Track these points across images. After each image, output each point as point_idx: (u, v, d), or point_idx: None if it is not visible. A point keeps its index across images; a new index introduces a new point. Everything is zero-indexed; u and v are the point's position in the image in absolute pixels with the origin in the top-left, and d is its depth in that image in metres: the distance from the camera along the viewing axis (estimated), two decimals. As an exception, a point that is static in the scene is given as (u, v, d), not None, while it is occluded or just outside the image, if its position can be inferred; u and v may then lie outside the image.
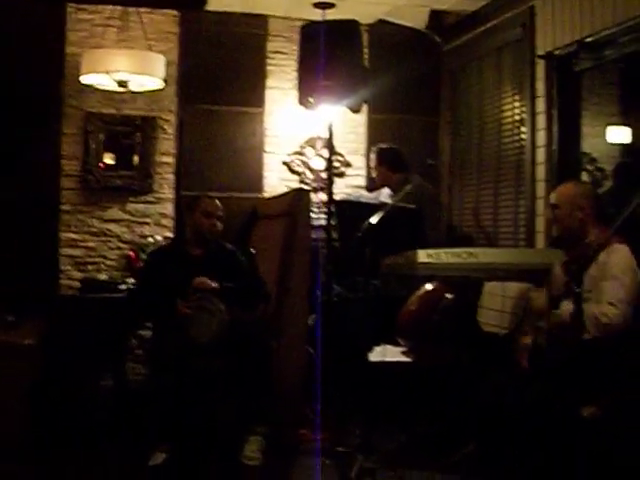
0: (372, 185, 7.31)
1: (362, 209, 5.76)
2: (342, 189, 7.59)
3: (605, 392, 4.01)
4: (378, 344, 5.62)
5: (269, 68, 7.60)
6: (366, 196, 7.15)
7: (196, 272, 5.30)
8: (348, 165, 7.77)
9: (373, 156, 6.92)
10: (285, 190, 7.18)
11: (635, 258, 4.30)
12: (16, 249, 6.74)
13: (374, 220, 4.98)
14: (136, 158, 7.19)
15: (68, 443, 5.49)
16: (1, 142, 6.74)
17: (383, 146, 6.93)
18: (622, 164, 6.52)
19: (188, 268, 5.31)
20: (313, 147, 7.67)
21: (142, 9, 7.02)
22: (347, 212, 5.86)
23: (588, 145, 6.34)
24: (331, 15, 5.93)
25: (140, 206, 7.22)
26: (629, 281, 4.20)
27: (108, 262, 7.12)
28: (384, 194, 6.71)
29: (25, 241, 6.79)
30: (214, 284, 5.25)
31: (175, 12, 7.26)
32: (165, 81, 6.67)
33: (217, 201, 5.65)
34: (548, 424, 3.98)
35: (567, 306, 4.10)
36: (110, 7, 6.98)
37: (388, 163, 6.79)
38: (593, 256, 4.11)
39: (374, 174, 6.95)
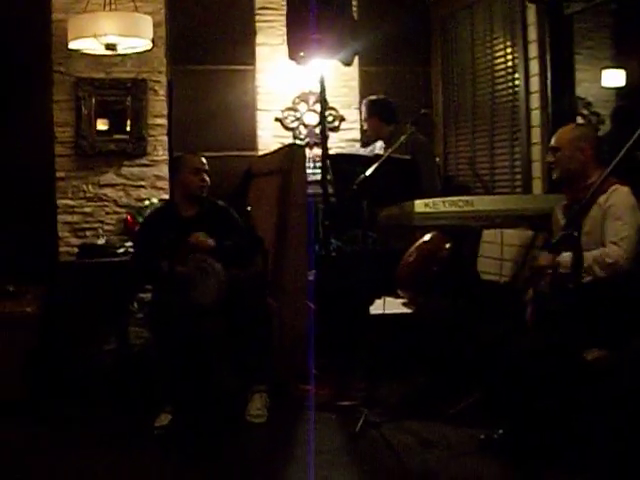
0: (366, 139, 7.29)
1: (356, 162, 5.75)
2: (336, 143, 7.56)
3: (609, 335, 4.01)
4: (379, 297, 5.61)
5: (258, 24, 7.53)
6: (360, 151, 7.14)
7: (190, 232, 5.26)
8: (342, 119, 7.72)
9: (364, 108, 6.89)
10: (279, 147, 7.14)
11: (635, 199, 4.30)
12: (13, 218, 6.73)
13: (369, 172, 4.96)
14: (128, 121, 7.15)
15: (72, 409, 5.50)
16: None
17: (373, 98, 6.90)
18: (619, 107, 6.48)
19: (182, 229, 5.27)
20: (306, 102, 7.63)
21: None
22: (342, 166, 5.85)
23: (583, 89, 6.31)
24: (318, -32, 5.85)
25: (135, 169, 7.19)
26: (631, 220, 4.20)
27: (105, 227, 7.11)
28: (378, 147, 6.70)
29: (22, 210, 6.78)
30: (209, 241, 5.22)
31: (161, -28, 7.19)
32: (153, 42, 6.61)
33: (201, 156, 5.61)
34: (552, 370, 3.98)
35: (566, 256, 4.09)
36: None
37: (379, 115, 6.76)
38: (593, 198, 4.10)
39: (365, 127, 6.92)
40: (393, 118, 6.70)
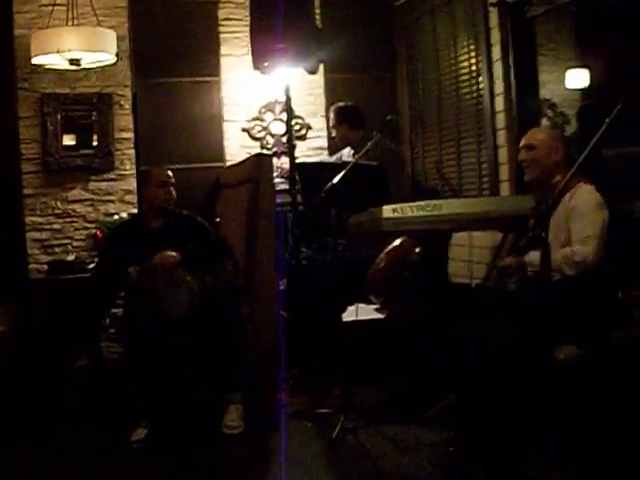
0: (334, 147, 7.29)
1: (324, 170, 5.74)
2: (304, 152, 7.58)
3: (578, 333, 4.03)
4: (351, 303, 5.62)
5: (222, 36, 7.54)
6: (328, 159, 7.15)
7: (157, 245, 5.26)
8: (309, 127, 7.75)
9: (332, 115, 6.89)
10: (246, 157, 7.13)
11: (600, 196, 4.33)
12: (-19, 237, 6.70)
13: (336, 180, 4.97)
14: (95, 136, 7.12)
15: (46, 426, 5.48)
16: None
17: (341, 104, 6.90)
18: (584, 107, 6.51)
19: (149, 242, 5.28)
20: (272, 112, 7.64)
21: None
22: (309, 174, 5.85)
23: (548, 91, 6.34)
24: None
25: (103, 184, 7.17)
26: (597, 217, 4.23)
27: (75, 243, 7.08)
28: (345, 154, 6.70)
29: (-10, 228, 6.75)
30: (174, 255, 5.21)
31: (122, -15, 7.18)
32: (117, 56, 6.60)
33: (167, 169, 5.62)
34: (522, 369, 3.99)
35: (535, 255, 4.12)
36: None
37: (348, 121, 6.76)
38: (559, 197, 4.13)
39: (334, 133, 6.92)
40: (362, 124, 6.71)
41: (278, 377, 5.75)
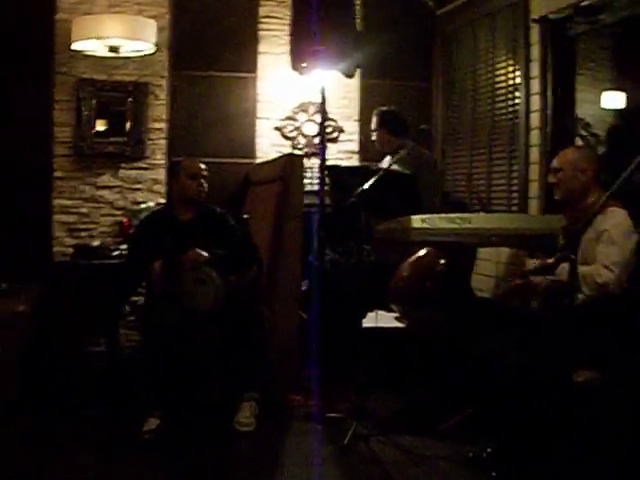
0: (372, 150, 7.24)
1: (355, 174, 5.75)
2: (334, 155, 7.57)
3: (599, 357, 4.01)
4: (371, 310, 5.61)
5: (261, 33, 7.54)
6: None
7: (186, 237, 5.27)
8: (341, 130, 7.73)
9: (374, 119, 6.84)
10: (277, 155, 7.14)
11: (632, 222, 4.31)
12: (9, 216, 6.72)
13: (367, 185, 4.97)
14: (128, 124, 7.15)
15: (59, 410, 5.48)
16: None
17: (384, 108, 6.85)
18: (614, 128, 6.50)
19: (178, 234, 5.29)
20: (306, 112, 7.63)
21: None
22: (340, 177, 5.85)
23: (582, 110, 6.32)
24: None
25: (132, 172, 7.19)
26: (626, 245, 4.21)
27: (101, 228, 7.11)
28: (386, 162, 6.66)
29: (18, 208, 6.77)
30: (203, 254, 5.21)
31: (166, -23, 7.21)
32: (156, 46, 6.63)
33: (200, 161, 5.63)
34: (541, 389, 3.98)
35: (564, 268, 4.09)
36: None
37: (387, 126, 6.71)
38: (590, 219, 4.11)
39: (373, 137, 6.87)
40: (401, 131, 6.63)
41: (294, 378, 5.77)
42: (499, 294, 4.62)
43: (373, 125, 6.82)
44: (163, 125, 7.22)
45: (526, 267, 4.55)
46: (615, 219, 4.27)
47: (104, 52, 6.47)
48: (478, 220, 5.07)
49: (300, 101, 7.62)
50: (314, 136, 7.56)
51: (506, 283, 4.65)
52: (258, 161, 7.47)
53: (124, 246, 6.59)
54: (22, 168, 6.81)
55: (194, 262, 5.18)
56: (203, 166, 5.56)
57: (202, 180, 5.51)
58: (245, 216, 6.23)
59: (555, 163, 4.58)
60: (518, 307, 4.60)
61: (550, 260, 4.22)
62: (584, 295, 4.14)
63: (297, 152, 7.44)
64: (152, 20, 6.58)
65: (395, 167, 5.83)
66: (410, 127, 6.61)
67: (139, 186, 7.20)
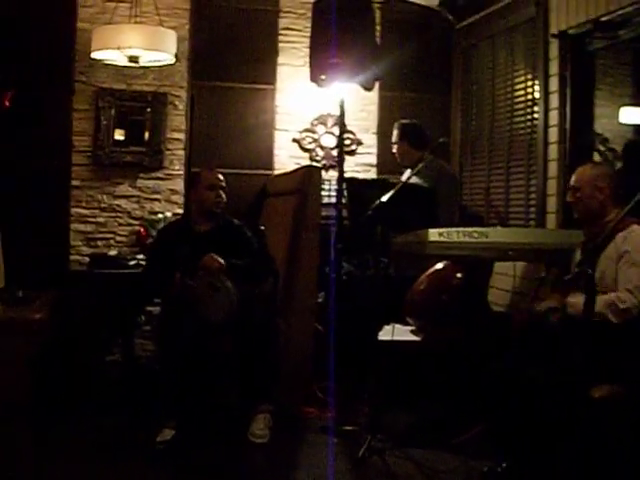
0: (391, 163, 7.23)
1: (373, 187, 5.75)
2: (352, 167, 7.57)
3: (616, 373, 4.00)
4: (387, 323, 5.60)
5: (281, 45, 7.56)
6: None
7: (204, 248, 5.27)
8: (359, 143, 7.75)
9: (395, 131, 6.81)
10: (295, 167, 7.15)
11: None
12: (27, 224, 6.73)
13: (385, 198, 4.97)
14: (147, 134, 7.18)
15: (73, 418, 5.49)
16: (14, 119, 6.71)
17: (405, 121, 6.83)
18: (631, 143, 6.48)
19: (196, 244, 5.29)
20: (324, 124, 7.65)
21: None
22: (357, 190, 5.85)
23: (601, 125, 6.31)
24: (343, -8, 5.86)
25: (150, 182, 7.22)
26: None
27: (118, 238, 7.14)
28: (405, 174, 6.65)
29: (36, 216, 6.78)
30: (220, 260, 5.22)
31: (186, -12, 7.24)
32: (176, 57, 6.64)
33: (218, 172, 5.64)
34: (558, 405, 3.96)
35: (579, 298, 4.06)
36: (122, -17, 6.95)
37: (408, 139, 6.68)
38: (610, 236, 4.09)
39: (394, 149, 6.84)
40: (422, 145, 6.59)
41: (309, 390, 5.76)
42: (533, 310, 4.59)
43: (394, 138, 6.79)
44: (181, 135, 7.25)
45: (537, 308, 4.51)
46: (637, 239, 4.23)
47: (124, 62, 6.49)
48: (495, 234, 5.05)
49: (319, 113, 7.63)
50: (332, 148, 7.58)
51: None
52: (276, 172, 7.49)
53: (141, 256, 6.62)
54: (40, 176, 6.81)
55: (209, 267, 5.19)
56: (221, 177, 5.58)
57: (220, 191, 5.53)
58: (262, 227, 6.24)
59: (573, 182, 4.56)
60: (536, 322, 4.57)
61: (568, 276, 4.20)
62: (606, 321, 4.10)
63: (315, 164, 7.45)
64: (172, 31, 6.59)
65: (414, 180, 5.83)
66: (429, 140, 6.60)
67: (157, 196, 7.22)
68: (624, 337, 4.07)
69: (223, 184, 5.56)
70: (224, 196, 5.55)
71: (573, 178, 4.58)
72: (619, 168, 6.20)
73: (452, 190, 6.63)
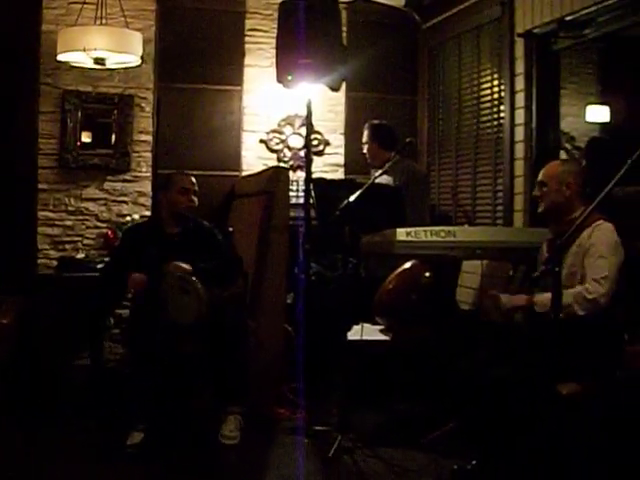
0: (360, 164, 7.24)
1: (340, 187, 5.76)
2: (320, 167, 7.58)
3: (583, 369, 4.03)
4: (356, 323, 5.61)
5: (247, 46, 7.55)
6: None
7: (172, 250, 5.28)
8: (327, 143, 7.75)
9: (365, 132, 6.82)
10: (263, 168, 7.14)
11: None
12: (-7, 228, 6.70)
13: (352, 198, 4.98)
14: (113, 136, 7.15)
15: (42, 423, 5.46)
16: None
17: (376, 122, 6.82)
18: (593, 140, 6.53)
19: (164, 246, 5.29)
20: (292, 125, 7.64)
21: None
22: (324, 191, 5.85)
23: (567, 124, 6.36)
24: (309, -7, 5.86)
25: (118, 185, 7.19)
26: (614, 259, 4.20)
27: (85, 241, 7.09)
28: (375, 175, 6.66)
29: (2, 220, 6.73)
30: (186, 267, 5.22)
31: (152, -11, 7.21)
32: (142, 59, 6.61)
33: (191, 176, 5.63)
34: (525, 402, 3.99)
35: (544, 296, 4.10)
36: (86, -16, 6.91)
37: (379, 140, 6.69)
38: (576, 233, 4.12)
39: (365, 150, 6.84)
40: (391, 145, 6.58)
41: (279, 391, 5.76)
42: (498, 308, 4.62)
43: (365, 138, 6.80)
44: (149, 137, 7.22)
45: (501, 304, 4.54)
46: (603, 233, 4.26)
47: (90, 64, 6.44)
48: (463, 233, 5.07)
49: (286, 114, 7.63)
50: (300, 149, 7.57)
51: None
52: (244, 174, 7.48)
53: (108, 259, 6.58)
54: (6, 180, 6.77)
55: (173, 274, 5.19)
56: (194, 181, 5.59)
57: (192, 195, 5.54)
58: (230, 229, 6.23)
59: (540, 176, 4.59)
60: (502, 321, 4.60)
61: (535, 273, 4.22)
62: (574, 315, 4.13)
63: (283, 165, 7.45)
64: (138, 32, 6.56)
65: (384, 180, 5.85)
66: (398, 141, 6.61)
67: (124, 198, 7.19)
68: (591, 334, 4.11)
69: (196, 188, 5.58)
70: (196, 200, 5.56)
71: (541, 173, 4.61)
72: (584, 166, 6.24)
73: (423, 190, 6.66)
